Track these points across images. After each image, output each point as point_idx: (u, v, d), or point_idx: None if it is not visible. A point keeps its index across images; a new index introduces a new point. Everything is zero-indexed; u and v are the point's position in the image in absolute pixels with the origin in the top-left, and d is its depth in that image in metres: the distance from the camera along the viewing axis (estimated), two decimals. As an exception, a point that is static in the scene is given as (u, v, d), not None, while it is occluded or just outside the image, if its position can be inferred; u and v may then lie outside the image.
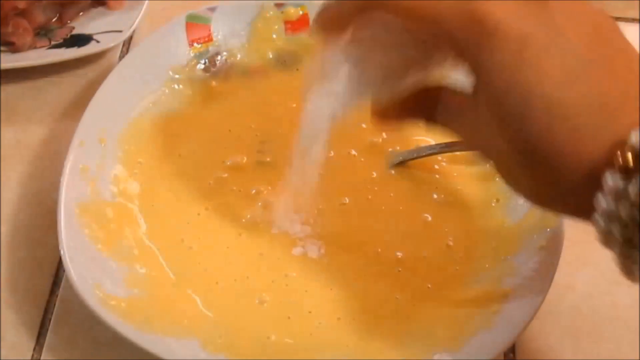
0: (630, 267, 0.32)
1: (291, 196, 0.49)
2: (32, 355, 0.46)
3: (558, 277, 0.45)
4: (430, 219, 0.51)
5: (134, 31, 0.59)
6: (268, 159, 0.53)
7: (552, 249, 0.46)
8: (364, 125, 0.55)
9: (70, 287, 0.44)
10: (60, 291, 0.49)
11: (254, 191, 0.51)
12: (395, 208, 0.51)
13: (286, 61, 0.58)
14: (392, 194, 0.52)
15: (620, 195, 0.29)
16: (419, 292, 0.48)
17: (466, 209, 0.51)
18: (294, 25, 0.57)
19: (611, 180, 0.29)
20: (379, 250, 0.49)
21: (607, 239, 0.31)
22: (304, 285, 0.48)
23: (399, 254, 0.49)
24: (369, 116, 0.55)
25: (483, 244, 0.49)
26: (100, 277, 0.45)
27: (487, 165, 0.53)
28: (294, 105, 0.56)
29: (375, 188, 0.52)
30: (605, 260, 0.50)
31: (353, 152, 0.54)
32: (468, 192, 0.52)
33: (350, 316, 0.47)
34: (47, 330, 0.47)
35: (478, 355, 0.43)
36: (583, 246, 0.51)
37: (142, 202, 0.51)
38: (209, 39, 0.57)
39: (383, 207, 0.51)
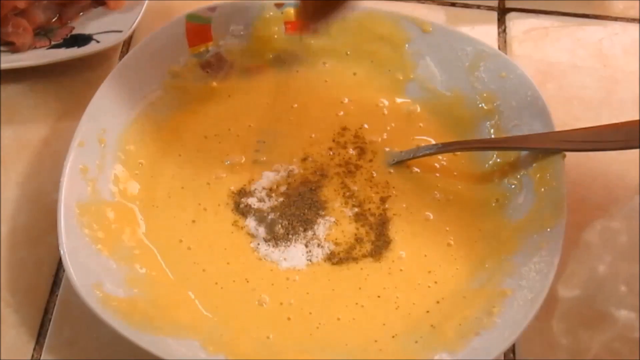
0: None
1: None
2: (32, 355, 0.46)
3: (558, 277, 0.45)
4: (432, 217, 0.51)
5: (134, 31, 0.59)
6: (264, 158, 0.53)
7: (552, 249, 0.46)
8: (365, 126, 0.55)
9: (70, 287, 0.44)
10: (60, 291, 0.49)
11: (252, 190, 0.52)
12: (399, 206, 0.51)
13: (286, 61, 0.58)
14: (393, 193, 0.52)
15: None
16: (419, 291, 0.48)
17: (466, 208, 0.51)
18: (294, 25, 0.57)
19: None
20: (382, 250, 0.49)
21: None
22: (304, 287, 0.48)
23: (402, 254, 0.49)
24: (369, 116, 0.56)
25: (483, 244, 0.49)
26: (100, 277, 0.45)
27: (487, 165, 0.53)
28: (294, 105, 0.56)
29: (377, 187, 0.52)
30: (605, 260, 0.51)
31: (352, 151, 0.54)
32: (468, 192, 0.52)
33: (350, 316, 0.47)
34: (47, 330, 0.47)
35: (478, 356, 0.43)
36: (583, 246, 0.51)
37: (142, 202, 0.51)
38: (209, 39, 0.57)
39: (386, 206, 0.51)
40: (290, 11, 0.57)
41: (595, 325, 0.48)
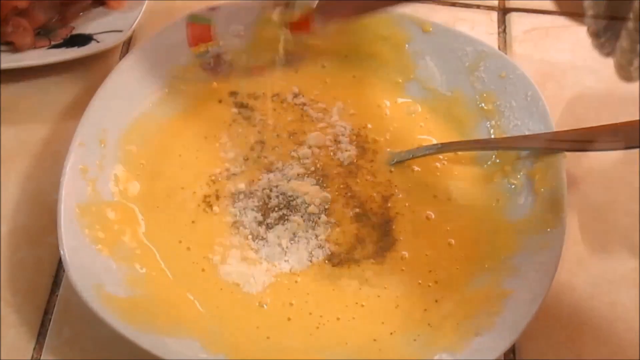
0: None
1: None
2: (32, 355, 0.46)
3: (558, 277, 0.45)
4: (433, 216, 0.51)
5: (134, 31, 0.59)
6: (264, 159, 0.53)
7: (552, 249, 0.46)
8: (369, 126, 0.55)
9: (70, 287, 0.44)
10: (60, 291, 0.49)
11: (253, 191, 0.52)
12: (402, 205, 0.51)
13: (286, 62, 0.58)
14: (395, 192, 0.52)
15: None
16: (419, 290, 0.48)
17: (467, 208, 0.51)
18: (295, 25, 0.57)
19: None
20: (385, 251, 0.49)
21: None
22: (305, 288, 0.48)
23: (405, 254, 0.49)
24: (371, 117, 0.56)
25: (483, 244, 0.49)
26: (100, 277, 0.45)
27: (487, 165, 0.53)
28: (294, 105, 0.56)
29: (379, 187, 0.52)
30: (606, 260, 0.51)
31: (353, 151, 0.54)
32: (469, 192, 0.52)
33: (350, 315, 0.47)
34: (47, 330, 0.47)
35: (479, 356, 0.43)
36: (583, 246, 0.51)
37: (142, 202, 0.51)
38: (210, 39, 0.57)
39: (389, 204, 0.51)
40: (291, 12, 0.57)
41: (595, 325, 0.48)
